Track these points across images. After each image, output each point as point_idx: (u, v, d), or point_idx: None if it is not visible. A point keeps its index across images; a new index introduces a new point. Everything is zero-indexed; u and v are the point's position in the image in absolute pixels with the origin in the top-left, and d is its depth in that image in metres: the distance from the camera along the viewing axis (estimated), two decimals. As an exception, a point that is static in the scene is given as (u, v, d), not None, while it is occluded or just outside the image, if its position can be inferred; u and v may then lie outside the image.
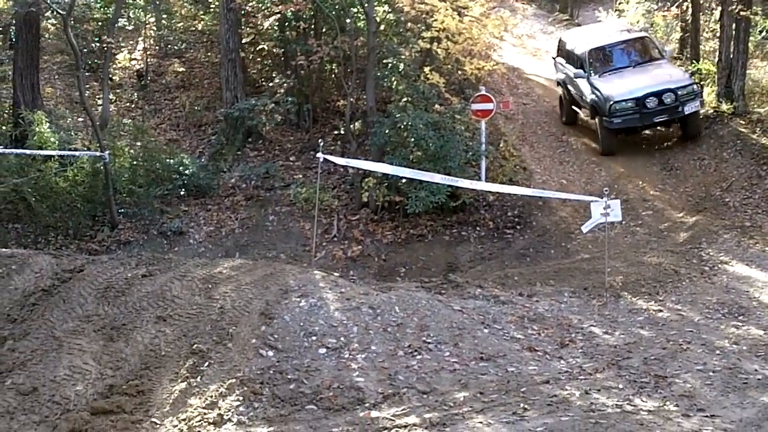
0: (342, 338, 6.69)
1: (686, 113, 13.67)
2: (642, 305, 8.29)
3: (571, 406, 5.62)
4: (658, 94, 13.71)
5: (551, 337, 7.17)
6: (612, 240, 10.01)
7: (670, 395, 5.92)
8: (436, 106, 12.20)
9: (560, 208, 11.79)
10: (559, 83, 16.11)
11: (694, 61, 15.46)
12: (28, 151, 11.46)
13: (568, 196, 10.02)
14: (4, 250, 8.73)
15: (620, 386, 6.11)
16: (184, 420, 5.75)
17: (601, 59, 14.90)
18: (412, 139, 11.31)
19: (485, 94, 12.36)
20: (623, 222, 10.80)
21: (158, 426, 5.76)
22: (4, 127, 12.97)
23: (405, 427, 5.44)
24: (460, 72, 13.61)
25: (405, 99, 11.96)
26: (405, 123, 11.31)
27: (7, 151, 11.57)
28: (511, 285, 9.09)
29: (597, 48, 15.16)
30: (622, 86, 13.96)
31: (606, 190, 8.83)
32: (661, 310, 8.12)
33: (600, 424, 5.18)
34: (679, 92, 13.67)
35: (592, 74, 14.43)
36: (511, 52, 17.76)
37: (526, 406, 5.62)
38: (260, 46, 15.17)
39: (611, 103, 13.73)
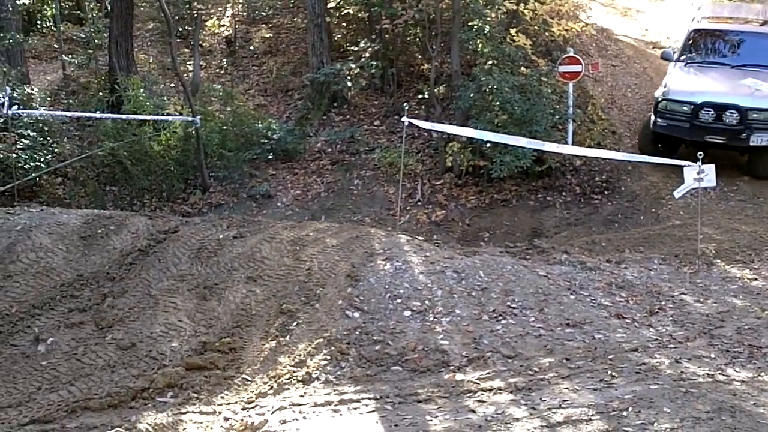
0: (426, 301, 6.74)
1: (752, 144, 11.02)
2: (736, 273, 8.05)
3: (660, 374, 5.54)
4: (719, 108, 11.10)
5: (640, 305, 7.05)
6: (705, 206, 9.72)
7: (765, 366, 5.76)
8: (522, 68, 12.00)
9: (651, 172, 11.49)
10: None
11: None
12: (123, 116, 11.83)
13: (659, 160, 9.73)
14: (102, 211, 9.08)
15: (712, 355, 5.97)
16: (273, 377, 5.92)
17: (706, 46, 12.62)
18: (497, 103, 11.17)
19: (573, 55, 12.07)
20: (717, 187, 10.45)
21: (249, 382, 5.95)
22: (100, 93, 13.41)
23: (490, 390, 5.47)
24: (547, 33, 13.34)
25: (490, 62, 11.80)
26: (490, 86, 11.18)
27: (104, 116, 11.99)
28: (598, 251, 8.96)
29: (705, 30, 12.73)
30: (693, 84, 11.72)
31: (700, 154, 8.54)
32: (755, 279, 7.87)
33: (690, 393, 5.09)
34: (752, 114, 11.01)
35: (680, 60, 12.35)
36: (600, 12, 17.28)
37: (613, 374, 5.56)
38: (345, 11, 15.20)
39: (661, 99, 11.61)
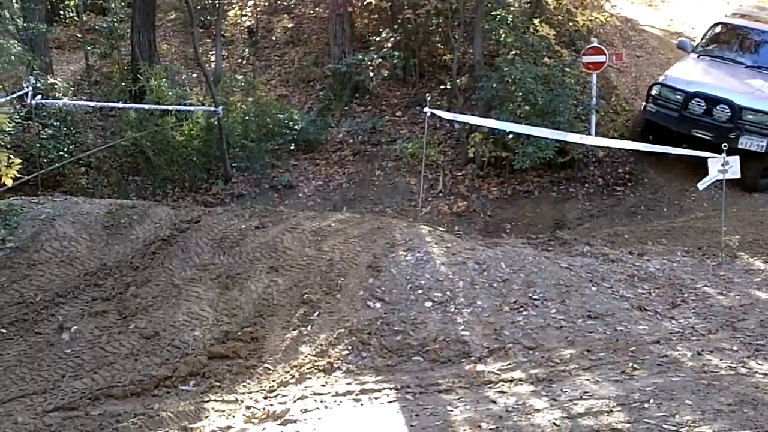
0: (448, 292, 6.75)
1: (741, 146, 10.19)
2: (759, 266, 7.97)
3: (682, 366, 5.50)
4: (710, 101, 10.55)
5: (662, 297, 7.01)
6: (729, 198, 9.61)
7: (788, 359, 5.72)
8: (546, 59, 11.92)
9: (674, 164, 11.38)
10: None
11: None
12: (146, 106, 11.89)
13: (683, 151, 9.63)
14: (126, 201, 9.16)
15: (734, 348, 5.93)
16: (295, 366, 5.96)
17: (725, 41, 12.03)
18: (520, 94, 11.11)
19: (597, 45, 11.98)
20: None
21: (271, 371, 5.99)
22: (123, 83, 13.49)
23: (511, 381, 5.47)
24: (571, 23, 13.25)
25: (513, 52, 11.73)
26: (513, 77, 11.11)
27: (127, 106, 12.06)
28: (620, 243, 8.91)
29: (729, 25, 12.14)
30: (693, 74, 11.20)
31: (725, 146, 8.45)
32: (780, 272, 7.80)
33: (713, 386, 5.06)
34: (746, 114, 10.38)
35: (696, 51, 11.94)
36: (624, 2, 17.12)
37: (635, 366, 5.54)
38: (367, 1, 15.17)
39: (655, 83, 11.24)
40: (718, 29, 12.26)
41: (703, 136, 10.46)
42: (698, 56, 11.83)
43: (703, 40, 12.26)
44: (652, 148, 9.73)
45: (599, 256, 8.02)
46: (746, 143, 10.31)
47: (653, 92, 11.16)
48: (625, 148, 9.74)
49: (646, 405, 4.83)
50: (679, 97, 10.80)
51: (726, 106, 10.50)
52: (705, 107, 10.61)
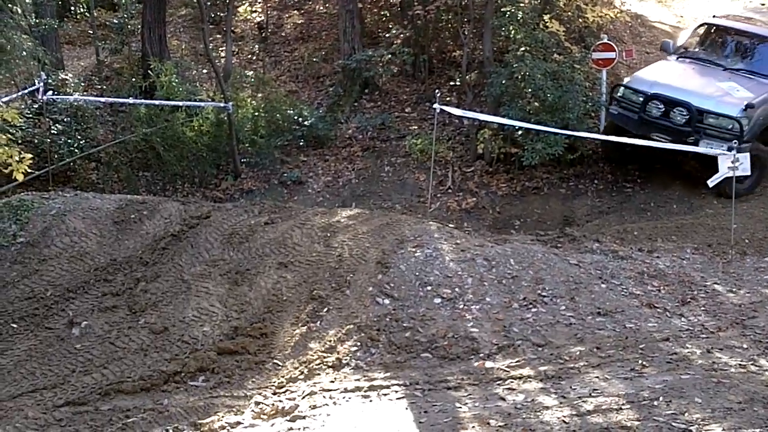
0: (457, 289, 6.75)
1: (702, 152, 9.69)
2: (770, 264, 7.95)
3: (691, 364, 5.49)
4: (668, 103, 10.17)
5: (672, 294, 6.99)
6: (739, 195, 9.56)
7: (798, 357, 5.70)
8: (555, 55, 11.89)
9: (684, 161, 11.32)
10: None
11: None
12: (156, 102, 11.91)
13: (693, 148, 9.60)
14: (136, 196, 9.19)
15: (744, 346, 5.91)
16: (304, 362, 5.98)
17: (709, 43, 11.63)
18: (529, 90, 11.08)
19: (607, 42, 11.93)
20: (752, 176, 10.27)
21: (280, 367, 6.01)
22: (134, 79, 13.53)
23: (520, 378, 5.47)
24: (581, 20, 13.20)
25: (523, 48, 11.71)
26: (522, 73, 11.08)
27: (137, 101, 12.09)
28: (630, 240, 8.88)
29: (714, 26, 11.73)
30: (659, 75, 10.87)
31: (735, 143, 8.42)
32: (790, 269, 7.77)
33: (722, 384, 5.04)
34: (707, 118, 9.94)
35: (678, 53, 11.56)
36: (635, -2, 17.08)
37: (644, 363, 5.53)
38: (377, -3, 15.19)
39: (618, 84, 10.98)
40: (702, 30, 11.97)
41: (664, 140, 10.03)
42: (677, 58, 11.51)
43: (686, 42, 11.97)
44: (662, 145, 9.69)
45: (608, 253, 8.00)
46: (706, 147, 9.83)
47: (616, 93, 10.96)
48: (634, 144, 9.67)
49: (655, 402, 4.83)
50: (639, 98, 10.51)
51: (683, 109, 10.16)
52: (663, 109, 10.29)
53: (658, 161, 11.03)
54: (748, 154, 8.60)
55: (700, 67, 11.18)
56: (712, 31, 11.80)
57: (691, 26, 12.56)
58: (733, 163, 8.25)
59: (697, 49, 11.71)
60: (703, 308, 6.74)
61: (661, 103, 10.33)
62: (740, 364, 5.51)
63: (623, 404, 4.85)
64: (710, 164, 9.43)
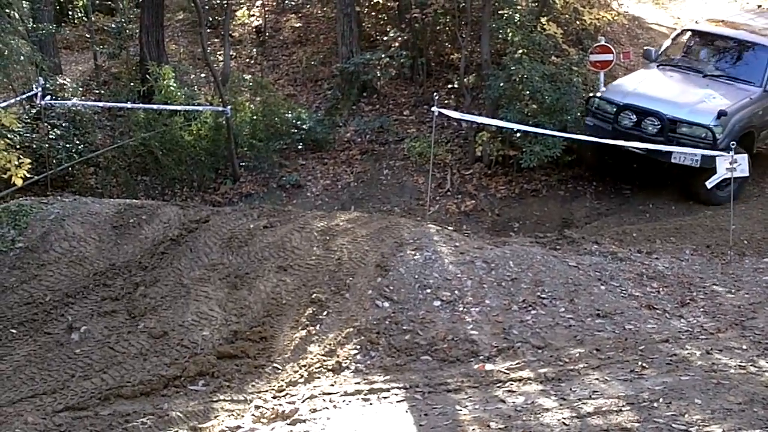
0: (456, 291, 6.75)
1: (674, 161, 9.74)
2: (769, 264, 7.96)
3: (691, 365, 5.50)
4: (640, 113, 10.06)
5: (671, 296, 7.00)
6: (737, 196, 9.57)
7: (798, 358, 5.70)
8: (553, 57, 11.90)
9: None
10: None
11: None
12: (155, 106, 11.91)
13: (691, 150, 9.62)
14: (134, 201, 9.19)
15: (744, 347, 5.92)
16: (304, 366, 5.97)
17: (690, 49, 11.50)
18: (527, 92, 11.10)
19: (604, 44, 11.95)
20: (750, 177, 10.28)
21: (280, 371, 6.01)
22: (132, 83, 13.53)
23: (519, 380, 5.47)
24: (578, 22, 13.22)
25: (520, 51, 11.73)
26: (520, 75, 11.11)
27: (136, 106, 12.09)
28: (629, 242, 8.89)
29: (696, 32, 11.62)
30: (634, 84, 10.74)
31: (733, 144, 8.44)
32: (789, 270, 7.77)
33: (722, 385, 5.05)
34: (680, 128, 9.82)
35: (659, 61, 11.32)
36: (631, 1, 17.09)
37: (644, 365, 5.53)
38: (375, 0, 15.17)
39: (592, 96, 10.77)
40: (684, 37, 11.84)
41: (639, 151, 9.98)
42: (658, 66, 11.30)
43: (668, 49, 11.72)
44: (660, 147, 9.70)
45: (608, 254, 8.01)
46: (679, 158, 9.73)
47: (590, 104, 10.79)
48: (632, 147, 9.68)
49: (655, 404, 4.83)
50: (612, 108, 10.38)
51: (655, 119, 10.01)
52: (635, 120, 10.13)
53: (638, 172, 10.95)
54: (746, 156, 8.61)
55: (680, 75, 11.04)
56: (694, 37, 11.69)
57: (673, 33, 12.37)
58: (731, 164, 8.26)
59: (678, 56, 11.58)
60: (702, 309, 6.74)
61: (633, 113, 10.19)
62: (740, 365, 5.51)
63: (623, 406, 4.86)
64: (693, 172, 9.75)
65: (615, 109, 10.36)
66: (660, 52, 11.61)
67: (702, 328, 6.32)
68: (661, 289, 7.13)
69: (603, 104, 10.57)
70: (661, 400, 4.88)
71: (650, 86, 10.71)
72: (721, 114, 9.79)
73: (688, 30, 11.95)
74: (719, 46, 11.29)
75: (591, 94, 10.87)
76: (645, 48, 12.07)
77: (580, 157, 11.45)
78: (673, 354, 5.73)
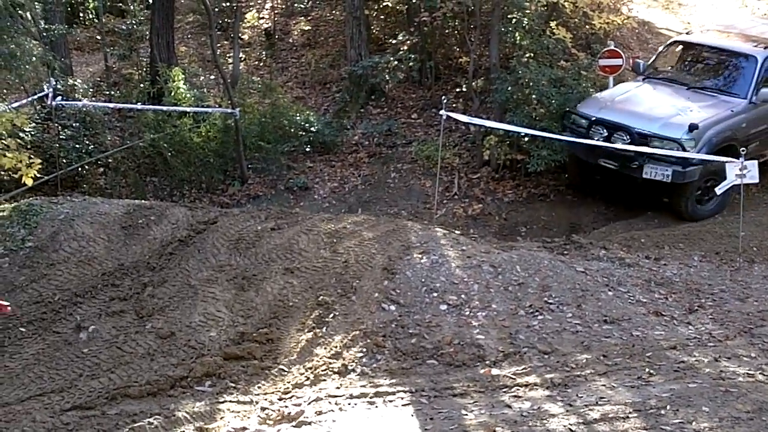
0: (463, 295, 6.74)
1: (645, 176, 9.54)
2: (778, 272, 7.93)
3: (699, 372, 5.48)
4: (610, 127, 9.79)
5: (679, 302, 6.98)
6: (747, 203, 9.53)
7: (806, 366, 5.67)
8: (562, 61, 11.90)
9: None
10: None
11: None
12: (164, 108, 11.96)
13: (700, 156, 9.59)
14: (143, 202, 9.22)
15: (752, 354, 5.89)
16: (310, 368, 5.98)
17: (678, 61, 11.25)
18: (534, 96, 11.10)
19: (614, 49, 11.92)
20: (760, 184, 10.24)
21: (286, 373, 6.02)
22: (142, 85, 13.57)
23: (526, 385, 5.46)
24: (587, 26, 13.20)
25: (528, 54, 11.72)
26: (527, 79, 11.10)
27: (145, 107, 12.13)
28: (637, 247, 8.86)
29: (684, 43, 11.37)
30: (610, 98, 10.52)
31: (743, 150, 8.41)
32: (798, 278, 7.74)
33: (730, 393, 5.03)
34: (651, 142, 9.45)
35: (646, 73, 11.06)
36: (641, 5, 17.06)
37: (651, 371, 5.52)
38: (384, 3, 15.20)
39: (567, 110, 10.52)
40: (672, 48, 11.55)
41: (610, 166, 9.85)
42: (644, 78, 11.02)
43: (656, 61, 11.46)
44: (669, 152, 9.66)
45: (615, 260, 7.99)
46: (650, 173, 9.50)
47: (565, 119, 10.55)
48: (641, 152, 9.64)
49: (662, 411, 4.82)
50: (584, 122, 10.14)
51: (624, 133, 9.72)
52: (605, 134, 9.86)
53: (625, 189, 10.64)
54: (756, 162, 8.56)
55: (663, 87, 10.71)
56: (682, 48, 11.42)
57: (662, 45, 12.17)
58: (741, 171, 8.24)
59: (666, 68, 11.29)
60: (710, 316, 6.72)
61: (604, 128, 9.92)
62: (748, 373, 5.49)
63: (630, 413, 4.85)
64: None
65: (587, 124, 10.11)
66: (648, 64, 11.34)
67: (710, 335, 6.30)
68: (669, 295, 7.12)
69: (577, 118, 10.32)
70: (668, 407, 4.86)
71: (627, 100, 10.45)
72: (692, 127, 9.39)
73: (677, 41, 11.67)
74: (707, 57, 10.98)
75: (567, 108, 10.60)
76: (634, 60, 11.70)
77: (567, 173, 11.29)
78: (681, 361, 5.72)
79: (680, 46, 11.52)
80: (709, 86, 10.47)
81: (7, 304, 6.33)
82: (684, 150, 9.37)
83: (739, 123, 9.97)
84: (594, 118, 10.06)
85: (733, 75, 10.51)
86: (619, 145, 9.76)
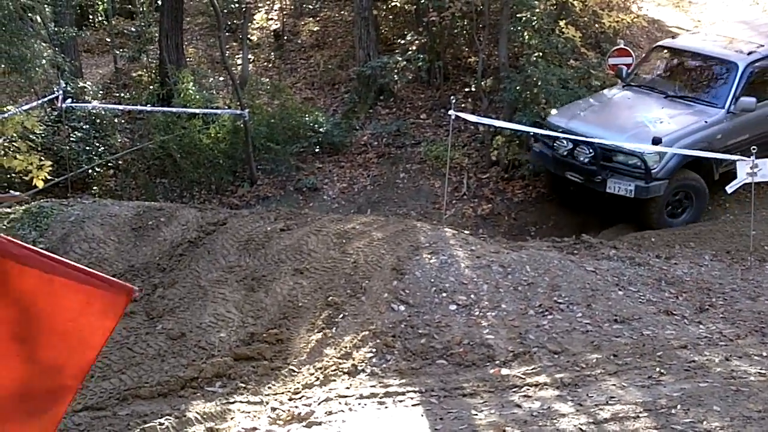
0: (472, 295, 6.73)
1: (609, 191, 9.20)
2: (789, 271, 7.88)
3: (710, 372, 5.45)
4: (576, 140, 9.34)
5: (690, 301, 6.95)
6: (758, 202, 9.48)
7: (818, 365, 5.64)
8: (571, 61, 11.87)
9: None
10: None
11: None
12: (174, 109, 12.01)
13: (711, 154, 9.52)
14: (153, 203, 9.24)
15: (764, 354, 5.86)
16: (320, 369, 5.98)
17: (660, 67, 10.82)
18: (543, 96, 11.07)
19: (623, 47, 11.89)
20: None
21: (296, 373, 6.02)
22: (151, 87, 13.64)
23: (536, 385, 5.45)
24: (597, 25, 13.17)
25: (537, 54, 11.70)
26: (536, 79, 11.08)
27: (155, 109, 12.19)
28: (647, 247, 8.83)
29: (667, 48, 10.91)
30: (580, 108, 10.16)
31: (754, 149, 8.36)
32: (810, 277, 7.69)
33: (741, 392, 5.01)
34: (615, 156, 9.10)
35: (628, 80, 10.64)
36: (651, 3, 16.99)
37: (662, 371, 5.49)
38: (392, 3, 15.21)
39: (546, 119, 10.14)
40: (656, 54, 11.16)
41: (576, 180, 9.58)
42: (624, 86, 10.64)
43: (639, 67, 11.03)
44: (678, 150, 9.62)
45: (625, 259, 7.96)
46: (614, 187, 9.17)
47: (545, 128, 10.04)
48: (650, 150, 9.58)
49: (673, 411, 4.80)
50: (553, 134, 9.71)
51: (586, 146, 9.32)
52: (570, 147, 9.49)
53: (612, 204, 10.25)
54: (767, 160, 8.49)
55: (640, 96, 10.32)
56: (665, 54, 11.00)
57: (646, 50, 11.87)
58: (752, 169, 8.19)
59: (648, 75, 10.84)
60: (721, 315, 6.69)
61: (569, 141, 9.54)
62: (759, 373, 5.46)
63: (640, 412, 4.83)
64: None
65: (554, 135, 9.69)
66: (630, 71, 10.93)
67: (721, 334, 6.27)
68: (679, 294, 7.09)
69: (547, 129, 9.86)
70: (679, 406, 4.84)
71: (597, 110, 10.15)
72: (656, 141, 8.91)
73: (660, 46, 11.26)
74: (690, 64, 10.56)
75: (540, 118, 10.35)
76: (619, 66, 11.12)
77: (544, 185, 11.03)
78: (692, 360, 5.69)
79: (664, 51, 11.08)
80: (687, 95, 10.04)
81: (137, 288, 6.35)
82: (646, 165, 8.99)
83: (713, 135, 9.52)
84: (561, 129, 9.66)
85: (712, 83, 10.08)
86: (581, 159, 9.48)
